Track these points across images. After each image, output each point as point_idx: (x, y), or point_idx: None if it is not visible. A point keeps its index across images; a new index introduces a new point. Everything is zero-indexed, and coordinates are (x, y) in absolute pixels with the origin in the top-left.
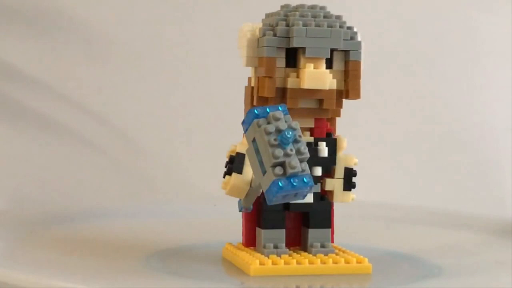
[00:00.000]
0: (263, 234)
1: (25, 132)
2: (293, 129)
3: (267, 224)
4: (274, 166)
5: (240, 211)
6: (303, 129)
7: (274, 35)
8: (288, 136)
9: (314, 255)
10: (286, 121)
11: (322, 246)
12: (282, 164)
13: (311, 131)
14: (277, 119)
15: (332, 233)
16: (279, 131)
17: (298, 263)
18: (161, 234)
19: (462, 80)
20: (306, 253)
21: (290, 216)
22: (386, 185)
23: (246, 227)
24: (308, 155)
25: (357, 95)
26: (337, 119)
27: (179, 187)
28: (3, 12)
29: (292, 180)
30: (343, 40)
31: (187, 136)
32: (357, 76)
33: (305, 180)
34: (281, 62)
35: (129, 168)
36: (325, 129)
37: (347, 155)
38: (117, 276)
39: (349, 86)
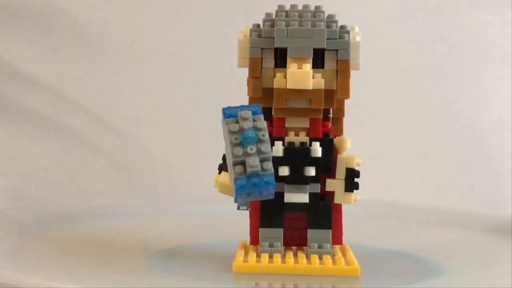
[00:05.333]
0: (259, 232)
1: (25, 132)
2: (258, 129)
3: (263, 222)
4: (234, 164)
5: (238, 209)
6: (300, 129)
7: (259, 36)
8: (249, 135)
9: (309, 255)
10: (254, 121)
11: (320, 247)
12: (243, 163)
13: (307, 131)
14: (244, 119)
15: (340, 234)
16: (242, 130)
17: (283, 262)
18: (161, 234)
19: (462, 80)
20: (303, 254)
21: (297, 217)
22: (386, 185)
23: (251, 225)
24: (270, 155)
25: (346, 95)
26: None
27: (179, 187)
28: (3, 12)
29: (251, 179)
30: (332, 39)
31: (187, 136)
32: (346, 75)
33: (265, 179)
34: (269, 63)
35: (129, 168)
36: (321, 129)
37: (348, 156)
38: (118, 276)
39: (338, 85)
